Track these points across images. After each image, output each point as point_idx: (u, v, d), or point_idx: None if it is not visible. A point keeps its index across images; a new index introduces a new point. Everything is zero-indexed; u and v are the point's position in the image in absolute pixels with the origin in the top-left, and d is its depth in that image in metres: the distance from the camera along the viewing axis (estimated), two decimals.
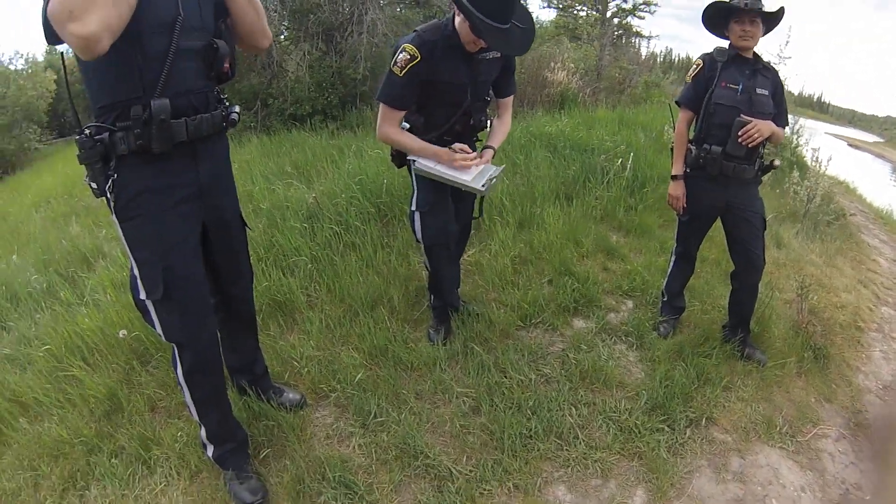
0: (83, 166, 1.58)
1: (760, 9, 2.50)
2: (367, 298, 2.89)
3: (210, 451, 1.95)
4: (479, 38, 2.05)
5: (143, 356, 2.58)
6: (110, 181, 1.56)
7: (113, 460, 2.08)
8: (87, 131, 1.53)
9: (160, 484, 1.99)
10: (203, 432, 1.93)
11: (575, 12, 15.73)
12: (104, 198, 1.60)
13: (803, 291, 3.35)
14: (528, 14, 2.17)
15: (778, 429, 2.51)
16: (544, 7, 16.22)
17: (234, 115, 1.80)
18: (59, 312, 3.04)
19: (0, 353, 2.84)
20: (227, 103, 1.80)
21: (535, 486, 2.06)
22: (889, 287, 4.75)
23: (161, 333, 1.74)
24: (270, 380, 2.31)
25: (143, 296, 1.68)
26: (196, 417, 1.89)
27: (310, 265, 3.13)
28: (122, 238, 1.66)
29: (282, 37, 8.50)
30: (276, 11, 7.65)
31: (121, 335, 2.61)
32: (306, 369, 2.47)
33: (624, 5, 14.83)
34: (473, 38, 2.08)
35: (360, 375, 2.42)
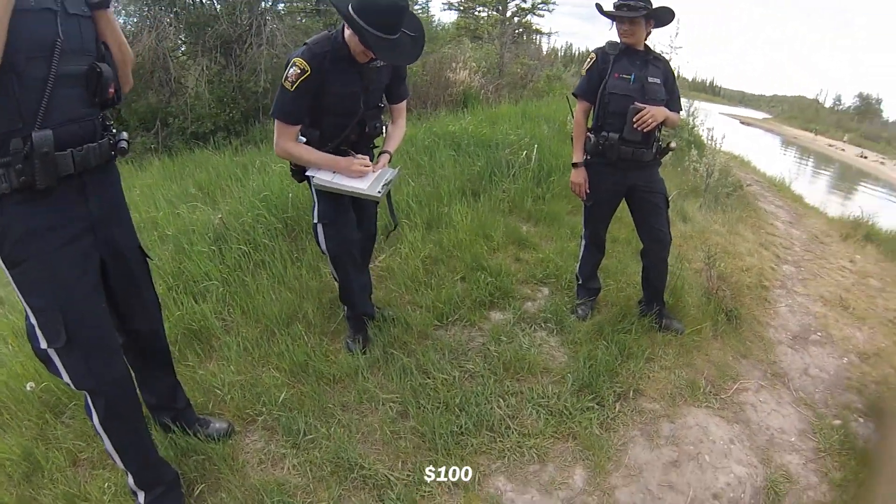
0: None
1: (633, 16, 2.61)
2: (282, 316, 2.79)
3: (141, 498, 1.81)
4: (368, 49, 2.04)
5: (55, 408, 2.35)
6: None
7: None
8: None
9: None
10: (130, 479, 1.79)
11: (476, 13, 16.08)
12: None
13: (710, 260, 3.56)
14: (418, 21, 2.16)
15: (702, 390, 2.64)
16: (445, 9, 16.49)
17: (123, 144, 1.67)
18: None
19: None
20: (115, 130, 1.68)
21: (474, 480, 2.04)
22: (787, 247, 5.15)
23: (69, 382, 1.59)
24: (194, 412, 2.18)
25: (43, 345, 1.54)
26: (121, 465, 1.76)
27: (221, 289, 2.98)
28: (14, 285, 1.51)
29: (179, 52, 8.14)
30: (171, 25, 7.32)
31: (28, 388, 2.38)
32: (230, 396, 2.34)
33: (523, 4, 15.33)
34: (363, 48, 2.07)
35: (283, 395, 2.32)
